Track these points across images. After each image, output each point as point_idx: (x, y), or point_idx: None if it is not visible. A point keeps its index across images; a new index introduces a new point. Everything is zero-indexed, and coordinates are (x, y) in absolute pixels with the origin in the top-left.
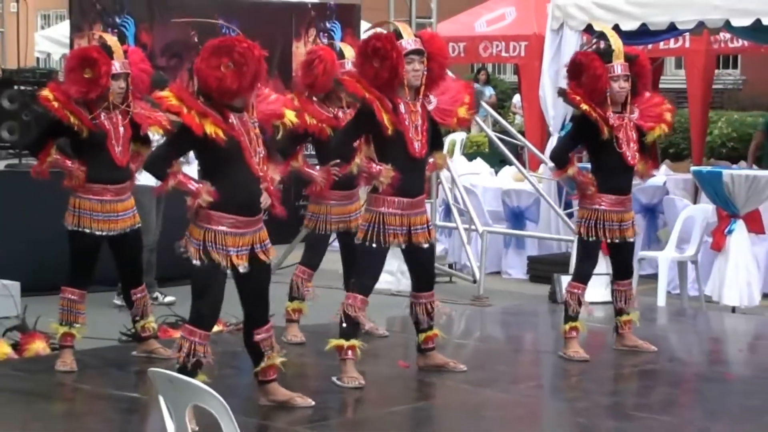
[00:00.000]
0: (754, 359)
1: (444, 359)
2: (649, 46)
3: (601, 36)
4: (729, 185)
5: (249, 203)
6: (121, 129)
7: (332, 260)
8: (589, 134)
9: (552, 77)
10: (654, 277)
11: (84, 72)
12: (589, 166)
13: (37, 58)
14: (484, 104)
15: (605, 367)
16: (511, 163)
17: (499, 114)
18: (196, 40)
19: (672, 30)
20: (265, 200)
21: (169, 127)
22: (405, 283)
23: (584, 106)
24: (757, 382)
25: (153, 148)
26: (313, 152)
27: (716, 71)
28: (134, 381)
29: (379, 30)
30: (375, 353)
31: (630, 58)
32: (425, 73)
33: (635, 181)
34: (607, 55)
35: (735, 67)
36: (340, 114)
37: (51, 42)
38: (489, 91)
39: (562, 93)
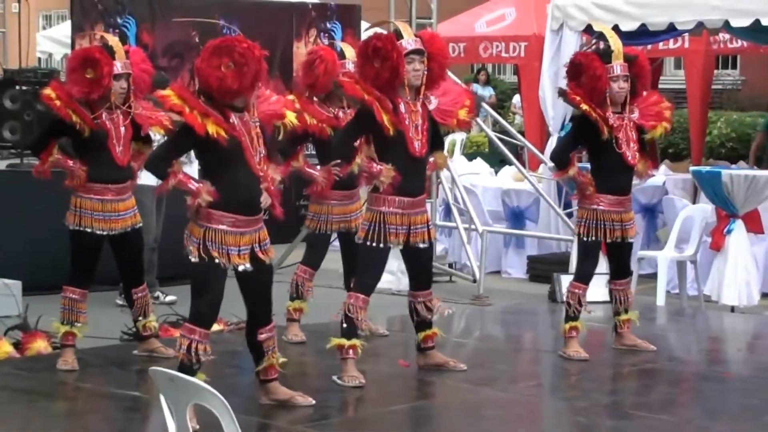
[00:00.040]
0: (753, 358)
1: (444, 358)
2: (649, 47)
3: (601, 36)
4: (728, 185)
5: (249, 203)
6: (122, 129)
7: (333, 259)
8: (589, 134)
9: (552, 77)
10: (653, 276)
11: (86, 72)
12: (588, 166)
13: (39, 59)
14: (484, 104)
15: (604, 366)
16: (510, 163)
17: (499, 114)
18: (197, 40)
19: (671, 30)
20: (265, 200)
21: (170, 127)
22: (405, 282)
23: (584, 106)
24: (755, 381)
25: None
26: (314, 152)
27: (715, 71)
28: (135, 380)
29: (379, 30)
30: (375, 352)
31: (629, 58)
32: (425, 73)
33: (634, 181)
34: (606, 55)
35: (734, 67)
36: (341, 114)
37: (52, 42)
38: (489, 92)
39: (562, 93)
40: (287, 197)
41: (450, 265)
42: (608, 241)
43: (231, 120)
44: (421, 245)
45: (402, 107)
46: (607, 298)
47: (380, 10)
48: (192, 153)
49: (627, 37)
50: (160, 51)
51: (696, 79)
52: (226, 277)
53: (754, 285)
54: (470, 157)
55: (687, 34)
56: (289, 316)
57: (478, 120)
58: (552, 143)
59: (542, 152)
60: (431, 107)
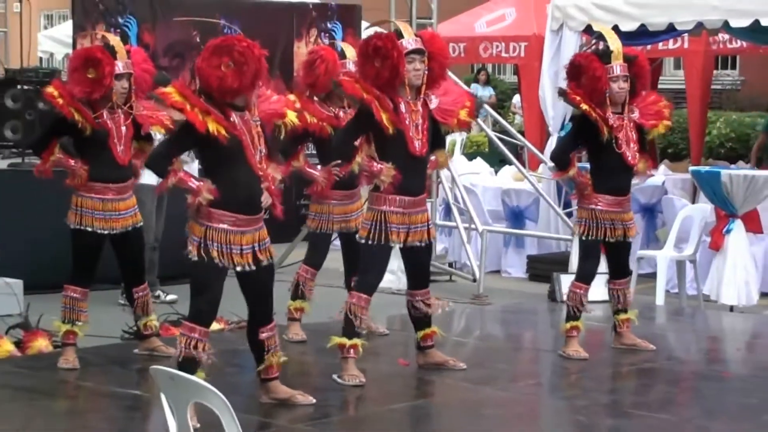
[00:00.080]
0: (752, 358)
1: (444, 357)
2: (648, 47)
3: (600, 37)
4: (727, 185)
5: (250, 202)
6: (123, 128)
7: (333, 259)
8: (589, 134)
9: (551, 78)
10: (653, 276)
11: (87, 72)
12: (588, 166)
13: (40, 58)
14: (484, 104)
15: (604, 365)
16: (510, 163)
17: (499, 114)
18: (198, 40)
19: (671, 31)
20: (265, 199)
21: (170, 127)
22: (405, 281)
23: (584, 106)
24: (754, 380)
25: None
26: (314, 152)
27: (715, 72)
28: (136, 378)
29: (379, 29)
30: (375, 351)
31: (629, 58)
32: (426, 72)
33: (634, 180)
34: (606, 56)
35: (733, 67)
36: (341, 114)
37: (54, 42)
38: (489, 92)
39: (562, 93)
40: (287, 196)
41: (450, 265)
42: (608, 240)
43: (232, 119)
44: (421, 244)
45: (402, 107)
46: (607, 298)
47: (381, 10)
48: (193, 152)
49: (627, 37)
50: (161, 51)
51: (695, 79)
52: (226, 275)
53: (753, 284)
54: (470, 156)
55: (686, 34)
56: (290, 315)
57: (478, 120)
58: (552, 143)
59: (542, 152)
60: (432, 106)
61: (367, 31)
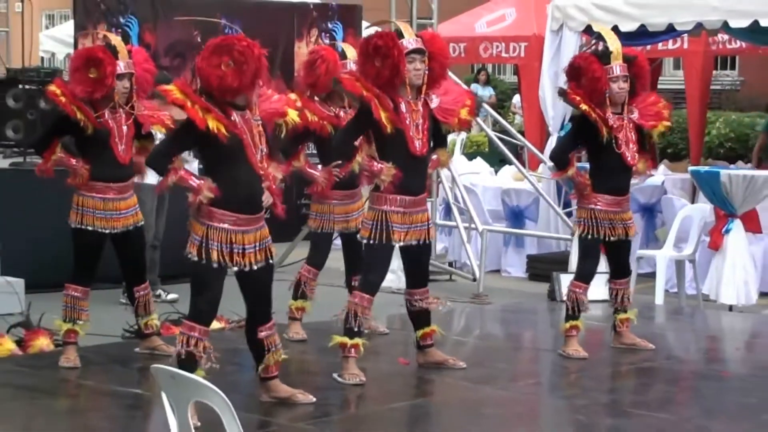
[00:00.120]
0: (751, 357)
1: (443, 356)
2: (648, 47)
3: (600, 37)
4: (726, 185)
5: (250, 201)
6: (125, 127)
7: (334, 258)
8: (588, 134)
9: (551, 78)
10: (652, 275)
11: (89, 72)
12: (588, 166)
13: (42, 58)
14: (484, 104)
15: (603, 364)
16: (510, 163)
17: (499, 114)
18: (199, 40)
19: (670, 31)
20: (266, 199)
21: (171, 126)
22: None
23: (584, 107)
24: (753, 380)
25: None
26: (315, 151)
27: (714, 72)
28: (137, 377)
29: (379, 29)
30: (375, 350)
31: (629, 59)
32: (426, 72)
33: (633, 180)
34: (605, 56)
35: (733, 68)
36: (342, 114)
37: (55, 42)
38: (489, 92)
39: (562, 93)
40: (288, 196)
41: (450, 264)
42: (608, 240)
43: (233, 118)
44: (421, 243)
45: (403, 106)
46: (606, 297)
47: (381, 11)
48: (193, 151)
49: (626, 37)
50: (163, 50)
51: (695, 79)
52: (226, 275)
53: (752, 284)
54: (470, 156)
55: (686, 34)
56: (292, 314)
57: (479, 120)
58: (552, 143)
59: (542, 152)
60: (433, 106)
61: (367, 31)
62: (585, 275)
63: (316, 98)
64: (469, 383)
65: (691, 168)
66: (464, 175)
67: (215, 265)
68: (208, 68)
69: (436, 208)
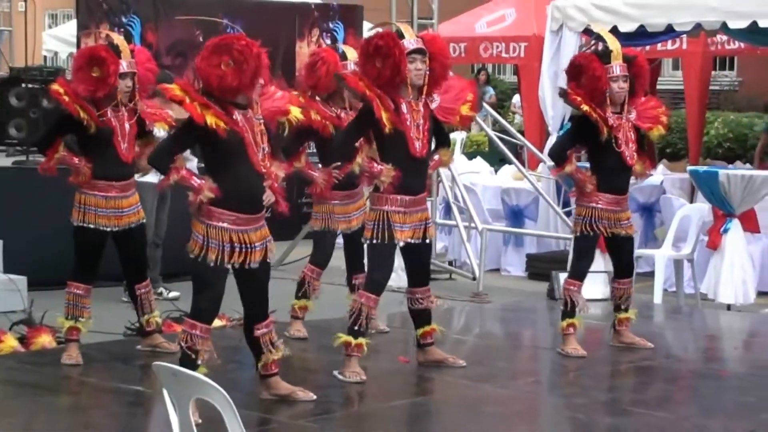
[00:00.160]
0: (749, 356)
1: (443, 355)
2: (647, 48)
3: (600, 38)
4: (725, 185)
5: (251, 200)
6: (127, 126)
7: (335, 257)
8: (588, 134)
9: (551, 78)
10: (651, 274)
11: (92, 71)
12: (587, 165)
13: (45, 57)
14: (484, 104)
15: (602, 363)
16: (510, 162)
17: (499, 114)
18: (201, 39)
19: (669, 32)
20: (267, 197)
21: (173, 124)
22: (405, 279)
23: (585, 107)
24: (752, 379)
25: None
26: (315, 151)
27: (713, 72)
28: (139, 375)
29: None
30: (376, 349)
31: (628, 59)
32: (427, 73)
33: (633, 180)
34: (606, 56)
35: (731, 68)
36: (343, 114)
37: (58, 41)
38: (489, 91)
39: (563, 93)
40: (289, 195)
41: (450, 263)
42: (607, 236)
43: (234, 117)
44: (421, 242)
45: (404, 107)
46: (605, 296)
47: (382, 11)
48: (195, 150)
49: (626, 38)
50: (164, 50)
51: (694, 80)
52: (228, 273)
53: (750, 283)
54: (470, 156)
55: (685, 35)
56: (294, 313)
57: (479, 119)
58: (551, 142)
59: (541, 152)
60: (433, 106)
61: (368, 31)
62: (579, 273)
63: (317, 98)
64: (469, 381)
65: (689, 168)
66: (464, 174)
67: (213, 264)
68: (207, 68)
69: (436, 207)
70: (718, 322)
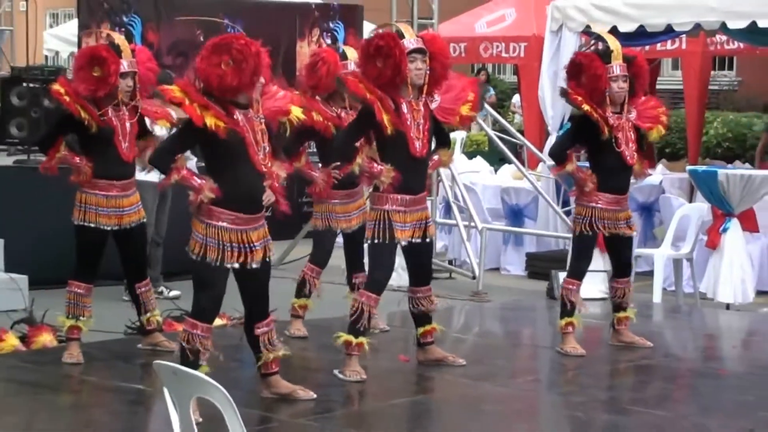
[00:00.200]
0: (748, 355)
1: (443, 353)
2: (647, 48)
3: (599, 37)
4: (724, 184)
5: (251, 199)
6: (128, 125)
7: (335, 256)
8: (588, 134)
9: (551, 77)
10: (650, 274)
11: (93, 70)
12: (587, 165)
13: (46, 56)
14: (485, 104)
15: (601, 362)
16: (510, 162)
17: (499, 113)
18: (201, 39)
19: (669, 32)
20: (267, 197)
21: (175, 122)
22: (406, 278)
23: (586, 107)
24: (750, 377)
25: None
26: (315, 150)
27: (712, 72)
28: (139, 373)
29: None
30: (376, 347)
31: (628, 59)
32: (428, 72)
33: (632, 180)
34: (606, 55)
35: (731, 68)
36: (343, 114)
37: (59, 40)
38: (490, 91)
39: (564, 93)
40: (289, 194)
41: (450, 262)
42: (606, 235)
43: (235, 116)
44: (422, 241)
45: (404, 107)
46: (604, 295)
47: (382, 11)
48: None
49: (625, 38)
50: (165, 49)
51: (693, 79)
52: (228, 273)
53: (749, 283)
54: (470, 155)
55: (684, 35)
56: (294, 312)
57: (479, 119)
58: (551, 142)
59: (541, 151)
60: (433, 106)
61: (369, 32)
62: (578, 272)
63: (317, 98)
64: (469, 380)
65: (689, 167)
66: (464, 173)
67: (213, 263)
68: (207, 68)
69: (436, 207)
70: (717, 321)
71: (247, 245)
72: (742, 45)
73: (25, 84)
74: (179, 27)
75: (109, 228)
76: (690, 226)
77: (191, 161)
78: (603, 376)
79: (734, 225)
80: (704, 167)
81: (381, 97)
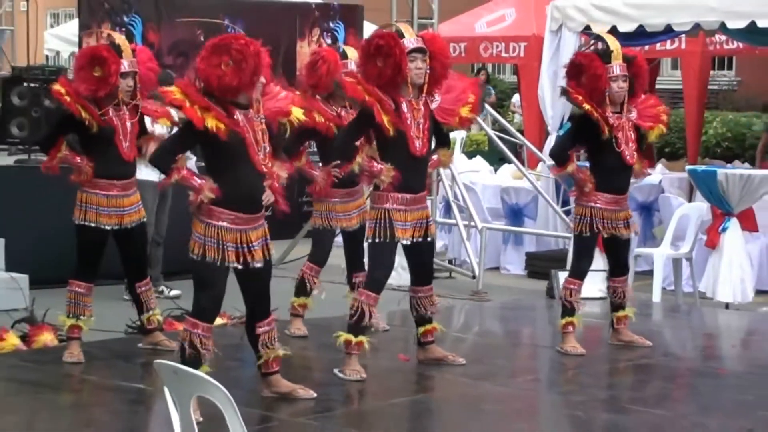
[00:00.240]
0: (747, 354)
1: (443, 353)
2: (646, 48)
3: (599, 38)
4: (723, 184)
5: (251, 200)
6: (129, 125)
7: (335, 255)
8: (588, 134)
9: (550, 77)
10: (649, 273)
11: (94, 70)
12: (587, 164)
13: (46, 56)
14: (485, 104)
15: (601, 361)
16: (510, 161)
17: (499, 113)
18: (202, 39)
19: (668, 32)
20: (267, 197)
21: (176, 120)
22: (405, 278)
23: (586, 106)
24: (749, 377)
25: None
26: (316, 149)
27: (711, 72)
28: (140, 372)
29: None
30: (376, 347)
31: (628, 59)
32: (428, 72)
33: (631, 180)
34: (606, 55)
35: (730, 68)
36: (343, 113)
37: (60, 40)
38: (491, 91)
39: (564, 92)
40: (290, 194)
41: (450, 261)
42: (606, 238)
43: (235, 117)
44: (423, 241)
45: (404, 106)
46: (603, 295)
47: (382, 11)
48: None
49: (625, 38)
50: (166, 49)
51: (692, 79)
52: (228, 272)
53: (748, 282)
54: (470, 155)
55: (684, 35)
56: (294, 311)
57: (479, 119)
58: (550, 142)
59: (541, 151)
60: (433, 106)
61: (369, 31)
62: (579, 272)
63: (318, 97)
64: (469, 379)
65: (688, 167)
66: (464, 173)
67: (212, 263)
68: (207, 68)
69: (436, 206)
70: (717, 321)
71: (246, 245)
72: (741, 45)
73: (25, 84)
74: (180, 27)
75: (109, 227)
76: (689, 226)
77: (191, 161)
78: (602, 376)
79: (733, 224)
80: (703, 167)
81: (380, 98)
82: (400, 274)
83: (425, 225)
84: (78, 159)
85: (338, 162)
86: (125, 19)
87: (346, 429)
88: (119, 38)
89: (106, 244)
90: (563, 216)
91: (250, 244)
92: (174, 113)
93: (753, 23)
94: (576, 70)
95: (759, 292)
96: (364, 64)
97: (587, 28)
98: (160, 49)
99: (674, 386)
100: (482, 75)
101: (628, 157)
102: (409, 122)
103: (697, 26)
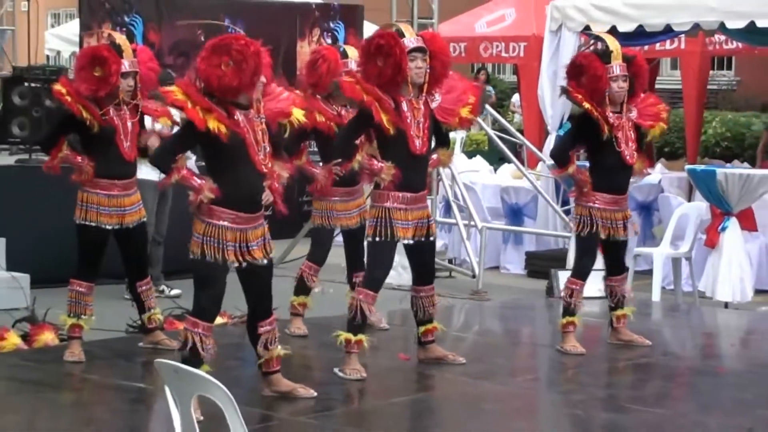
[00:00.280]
0: (746, 353)
1: (443, 352)
2: (646, 48)
3: (599, 38)
4: (722, 183)
5: (251, 199)
6: (129, 125)
7: (335, 254)
8: (589, 133)
9: (550, 77)
10: (649, 273)
11: (94, 70)
12: (587, 164)
13: (47, 56)
14: (486, 104)
15: (601, 360)
16: (509, 161)
17: (499, 113)
18: (202, 39)
19: (668, 32)
20: (266, 197)
21: (176, 120)
22: (405, 277)
23: (586, 105)
24: (749, 376)
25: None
26: (316, 149)
27: (711, 72)
28: (141, 372)
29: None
30: (376, 346)
31: (627, 59)
32: (428, 71)
33: (631, 179)
34: (606, 55)
35: (729, 68)
36: (343, 112)
37: (61, 40)
38: (491, 92)
39: (564, 91)
40: (290, 193)
41: (450, 261)
42: (603, 237)
43: (235, 117)
44: (424, 240)
45: (404, 105)
46: (602, 294)
47: (382, 11)
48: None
49: (624, 38)
50: (167, 49)
51: (692, 79)
52: (228, 271)
53: (747, 281)
54: (470, 154)
55: (683, 35)
56: (294, 310)
57: (479, 119)
58: (550, 141)
59: (540, 150)
60: (434, 105)
61: (369, 31)
62: (582, 272)
63: (317, 97)
64: (469, 378)
65: (687, 167)
66: (464, 173)
67: (213, 262)
68: (208, 69)
69: (436, 206)
70: (716, 320)
71: (246, 244)
72: (740, 45)
73: (26, 83)
74: (180, 27)
75: (110, 227)
76: (689, 225)
77: (191, 160)
78: (602, 375)
79: (733, 224)
80: (703, 166)
81: (379, 98)
82: (400, 273)
83: (426, 224)
84: (79, 159)
85: (338, 161)
86: (126, 19)
87: (346, 428)
88: (120, 38)
89: (106, 244)
90: (563, 215)
91: (250, 244)
92: (174, 113)
93: (752, 23)
94: (576, 70)
95: (758, 292)
96: (365, 64)
97: (587, 28)
98: (160, 49)
99: (674, 385)
100: (482, 75)
101: (627, 157)
102: (409, 121)
103: (696, 26)
